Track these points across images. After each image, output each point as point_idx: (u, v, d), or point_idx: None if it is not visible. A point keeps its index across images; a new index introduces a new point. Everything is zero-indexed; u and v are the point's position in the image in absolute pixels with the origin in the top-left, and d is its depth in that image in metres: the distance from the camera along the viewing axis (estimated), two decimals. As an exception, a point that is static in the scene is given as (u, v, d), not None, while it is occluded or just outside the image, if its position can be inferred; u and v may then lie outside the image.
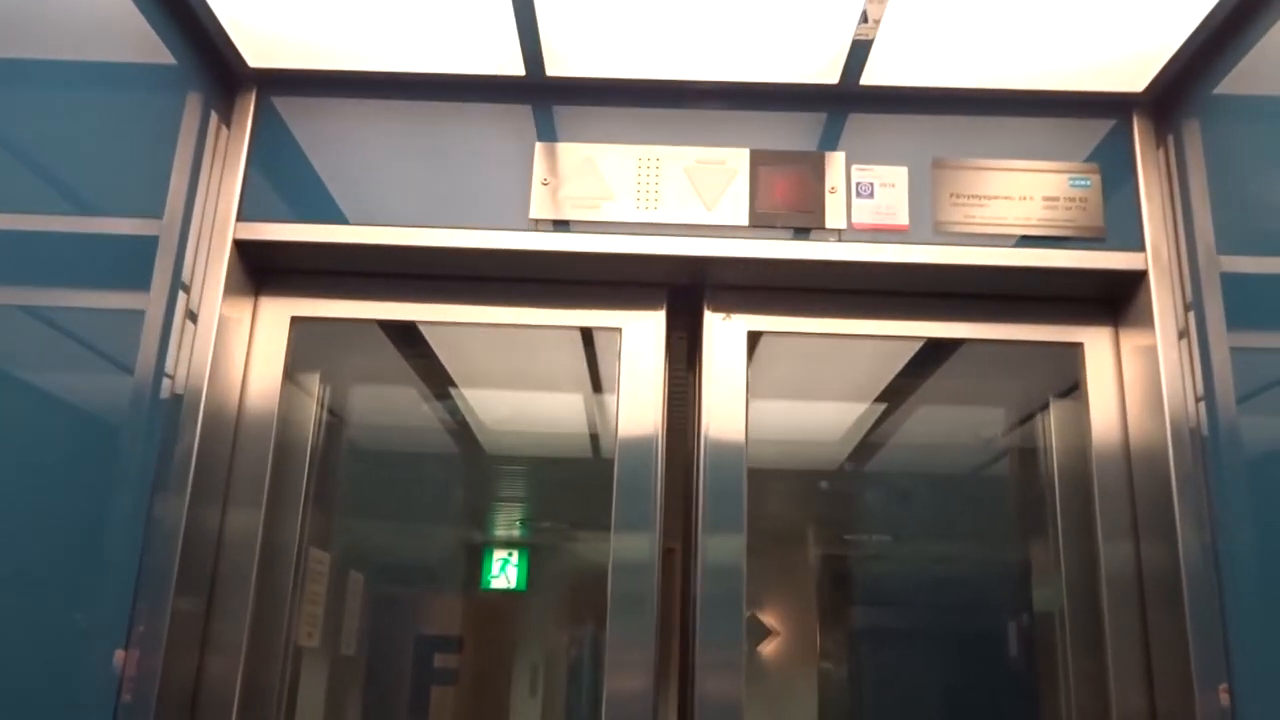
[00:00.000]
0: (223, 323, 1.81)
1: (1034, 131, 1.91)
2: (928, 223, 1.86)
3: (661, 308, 1.95)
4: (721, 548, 1.79)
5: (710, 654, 1.74)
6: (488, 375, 2.45)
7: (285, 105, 1.93)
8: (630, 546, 1.83)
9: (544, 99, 1.94)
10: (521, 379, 2.42)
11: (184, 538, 1.66)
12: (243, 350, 1.89)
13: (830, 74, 1.87)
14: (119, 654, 1.56)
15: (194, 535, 1.69)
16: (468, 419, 2.63)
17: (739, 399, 1.89)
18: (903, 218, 1.86)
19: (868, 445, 2.58)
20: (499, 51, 1.85)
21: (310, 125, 1.92)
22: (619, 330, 1.95)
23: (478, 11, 1.75)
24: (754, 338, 2.01)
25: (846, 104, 1.93)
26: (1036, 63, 1.83)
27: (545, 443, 2.71)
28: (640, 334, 1.94)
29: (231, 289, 1.83)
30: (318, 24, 1.79)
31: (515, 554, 2.72)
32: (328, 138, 1.91)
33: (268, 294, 1.95)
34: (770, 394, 2.29)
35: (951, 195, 1.87)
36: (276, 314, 1.95)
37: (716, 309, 1.94)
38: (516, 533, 2.90)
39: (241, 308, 1.90)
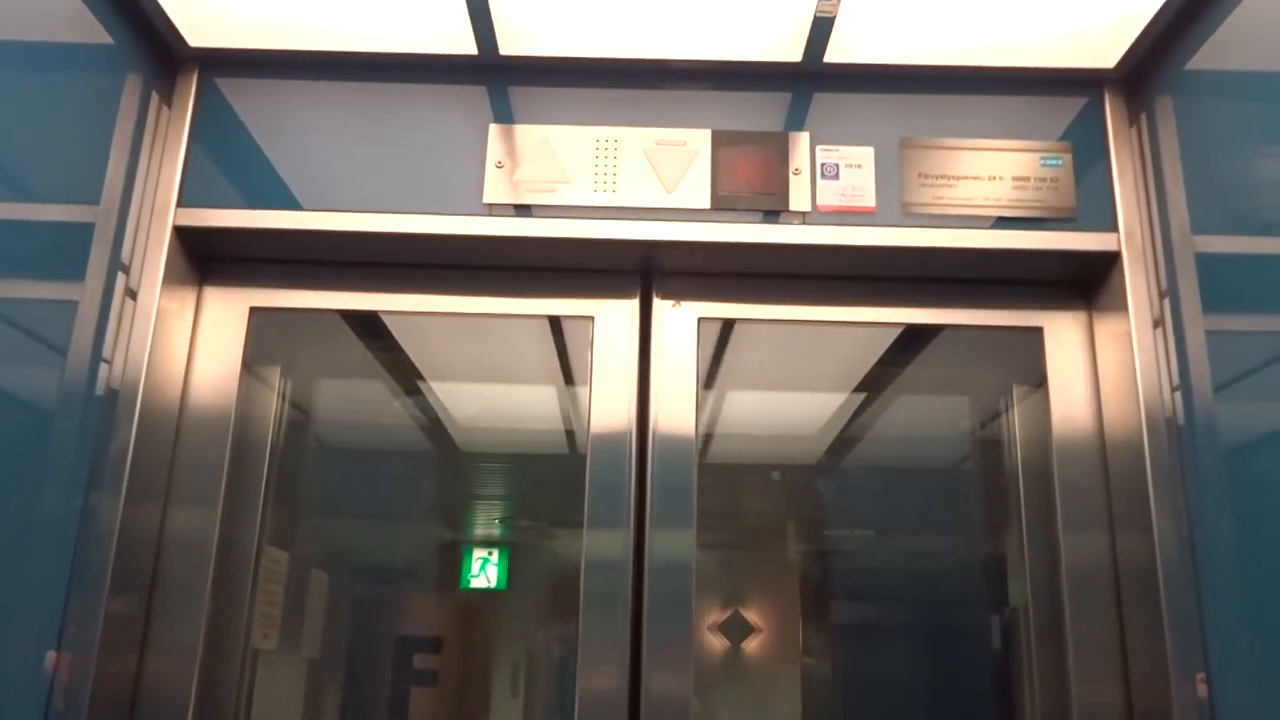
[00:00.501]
0: (162, 313, 1.74)
1: (1004, 110, 1.85)
2: (895, 205, 1.80)
3: (635, 295, 1.89)
4: (671, 544, 1.73)
5: (659, 653, 1.68)
6: (456, 368, 2.39)
7: (229, 87, 1.86)
8: (603, 544, 1.77)
9: (498, 79, 1.88)
10: (491, 372, 2.36)
11: (119, 536, 1.59)
12: (185, 342, 1.82)
13: (793, 51, 1.81)
14: (50, 656, 1.49)
15: (130, 534, 1.63)
16: (439, 414, 2.56)
17: (689, 390, 1.83)
18: (869, 199, 1.80)
19: (846, 439, 2.53)
20: (450, 30, 1.79)
21: (255, 107, 1.86)
22: (591, 319, 1.88)
23: (426, -12, 1.70)
24: (727, 326, 1.95)
25: (810, 83, 1.87)
26: (1005, 38, 1.77)
27: (520, 438, 2.65)
28: (612, 323, 1.87)
29: (172, 278, 1.77)
30: (262, 1, 1.73)
31: (495, 553, 2.65)
32: (274, 120, 1.85)
33: (214, 283, 1.88)
34: (744, 385, 2.24)
35: (920, 176, 1.81)
36: (229, 304, 1.88)
37: (665, 295, 1.88)
38: (496, 531, 2.83)
39: (183, 298, 1.83)
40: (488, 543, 2.68)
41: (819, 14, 1.75)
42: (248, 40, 1.82)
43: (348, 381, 2.43)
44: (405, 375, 2.38)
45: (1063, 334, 1.87)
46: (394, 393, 2.49)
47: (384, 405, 2.55)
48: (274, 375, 1.96)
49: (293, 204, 1.81)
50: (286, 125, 1.85)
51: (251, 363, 1.88)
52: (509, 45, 1.82)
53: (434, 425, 2.59)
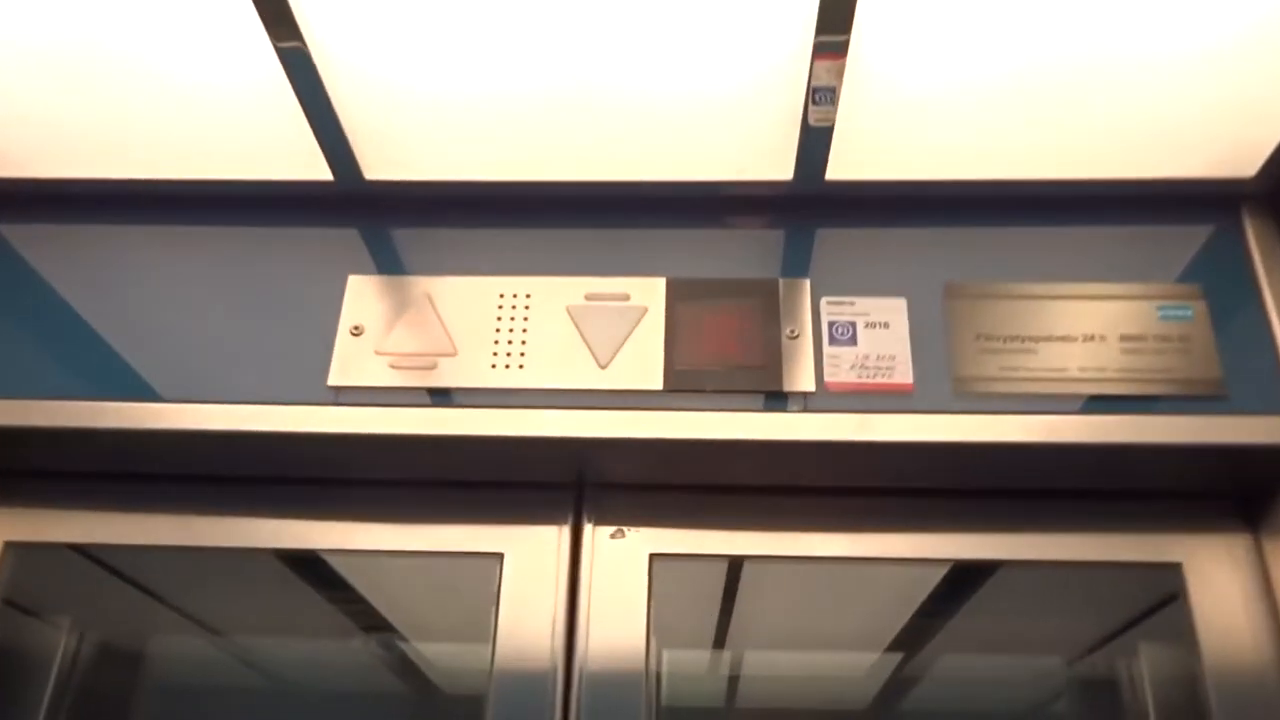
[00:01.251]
0: None
1: (1100, 240, 1.27)
2: (943, 381, 1.19)
3: (559, 521, 1.27)
4: None
5: None
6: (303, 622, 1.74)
7: (-9, 230, 1.33)
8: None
9: (360, 214, 1.33)
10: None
11: None
12: None
13: (780, 166, 1.26)
14: None
15: None
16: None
17: (635, 658, 1.19)
18: (904, 373, 1.20)
19: (890, 689, 1.81)
20: (296, 148, 1.26)
21: (34, 256, 1.32)
22: (497, 558, 1.26)
23: (255, 93, 1.18)
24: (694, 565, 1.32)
25: (808, 209, 1.31)
26: (1096, 141, 1.21)
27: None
28: (526, 563, 1.25)
29: None
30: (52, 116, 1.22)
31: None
32: (58, 273, 1.31)
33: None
34: (754, 639, 1.56)
35: (979, 338, 1.22)
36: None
37: (603, 520, 1.26)
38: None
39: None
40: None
41: (814, 124, 1.20)
42: (18, 169, 1.30)
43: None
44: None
45: (1215, 570, 1.22)
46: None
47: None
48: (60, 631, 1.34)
49: (72, 391, 1.24)
50: (71, 280, 1.30)
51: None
52: (376, 167, 1.28)
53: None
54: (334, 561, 1.35)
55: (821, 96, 1.19)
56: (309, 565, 1.37)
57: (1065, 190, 1.27)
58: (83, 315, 1.28)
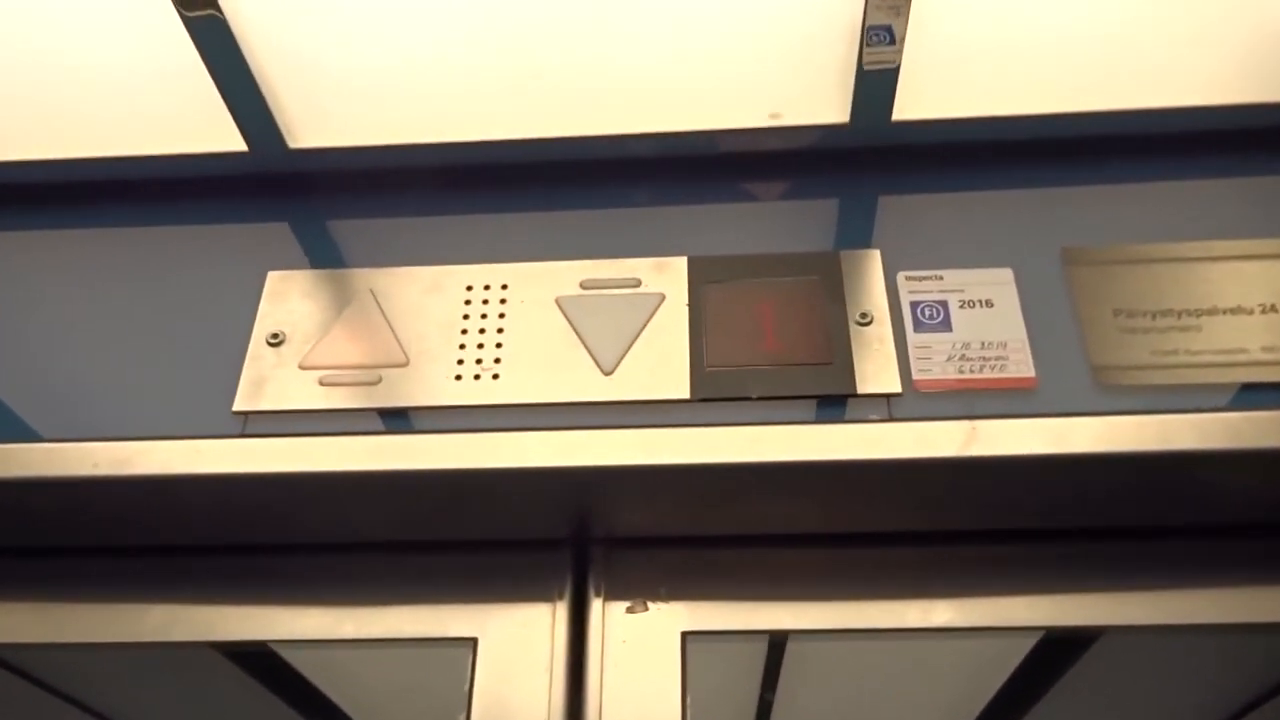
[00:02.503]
0: None
1: (1263, 183, 0.96)
2: (1076, 372, 0.86)
3: (556, 592, 0.93)
4: None
5: None
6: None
7: None
8: None
9: (282, 191, 1.03)
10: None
11: None
12: None
13: (834, 107, 0.96)
14: None
15: None
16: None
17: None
18: (1022, 364, 0.87)
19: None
20: (196, 109, 0.97)
21: None
22: (470, 643, 0.92)
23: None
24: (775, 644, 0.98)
25: (874, 161, 1.00)
26: (1247, 53, 0.91)
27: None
28: (511, 649, 0.90)
29: None
30: None
31: None
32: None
33: None
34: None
35: (1117, 314, 0.89)
36: None
37: (615, 590, 0.92)
38: None
39: None
40: None
41: (869, 67, 0.91)
42: None
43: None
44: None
45: None
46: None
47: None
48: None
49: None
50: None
51: None
52: (302, 132, 0.99)
53: None
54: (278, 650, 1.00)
55: (878, 36, 0.90)
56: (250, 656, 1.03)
57: (1213, 119, 0.96)
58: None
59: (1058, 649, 0.99)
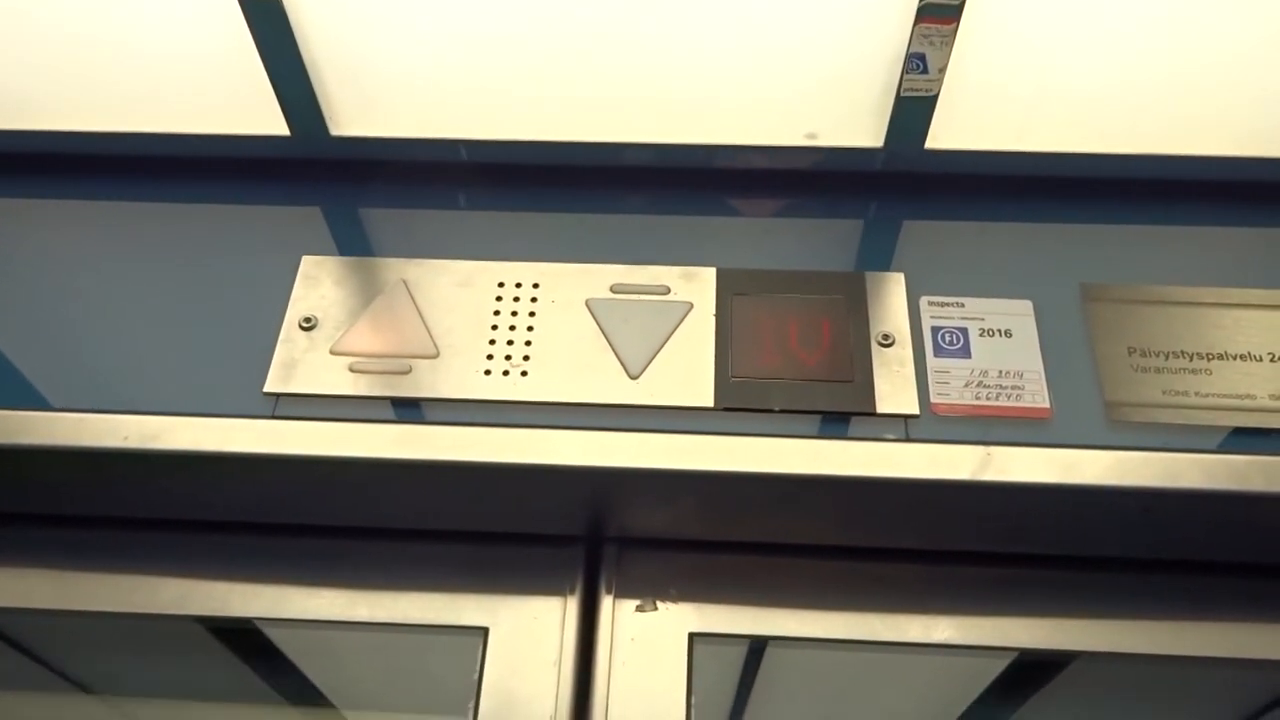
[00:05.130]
0: None
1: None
2: (1091, 406, 0.89)
3: (567, 588, 0.95)
4: None
5: None
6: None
7: None
8: None
9: (321, 177, 1.04)
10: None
11: None
12: None
13: (869, 132, 0.98)
14: None
15: None
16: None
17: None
18: (1038, 395, 0.89)
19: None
20: (242, 92, 0.98)
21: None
22: (481, 632, 0.93)
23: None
24: (755, 649, 1.00)
25: (903, 186, 1.02)
26: (1273, 109, 0.94)
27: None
28: (521, 640, 0.92)
29: None
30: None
31: None
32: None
33: None
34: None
35: (1133, 353, 0.92)
36: None
37: (626, 588, 0.94)
38: None
39: None
40: None
41: (906, 94, 0.93)
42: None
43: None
44: None
45: None
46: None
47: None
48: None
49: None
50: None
51: None
52: (346, 119, 1.00)
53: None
54: (267, 631, 1.02)
55: (917, 64, 0.92)
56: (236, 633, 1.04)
57: (1236, 170, 0.98)
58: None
59: (1031, 668, 1.02)
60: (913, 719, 1.10)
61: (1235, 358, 0.91)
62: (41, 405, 0.91)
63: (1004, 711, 1.08)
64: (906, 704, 1.10)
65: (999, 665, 1.03)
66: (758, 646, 1.00)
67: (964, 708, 1.07)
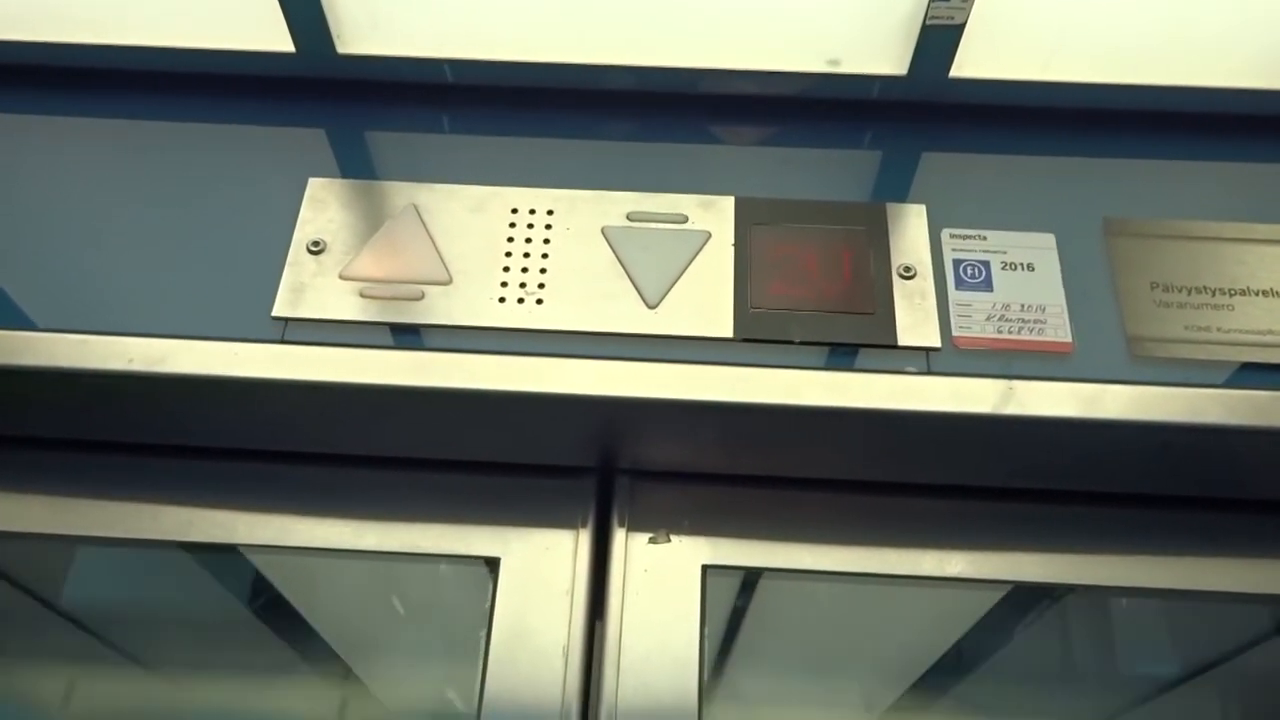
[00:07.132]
0: None
1: (1305, 168, 0.98)
2: (1112, 341, 0.88)
3: (579, 520, 0.94)
4: None
5: None
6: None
7: None
8: None
9: (326, 97, 1.01)
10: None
11: None
12: None
13: (894, 58, 0.96)
14: None
15: None
16: None
17: (682, 702, 0.86)
18: (1060, 329, 0.88)
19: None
20: (246, 6, 0.94)
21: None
22: (492, 563, 0.93)
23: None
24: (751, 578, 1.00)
25: (926, 116, 1.00)
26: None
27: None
28: (531, 572, 0.92)
29: None
30: None
31: None
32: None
33: None
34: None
35: (1154, 287, 0.91)
36: None
37: (639, 521, 0.93)
38: None
39: None
40: None
41: (930, 22, 0.91)
42: None
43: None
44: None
45: None
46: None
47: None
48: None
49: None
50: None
51: None
52: (354, 37, 0.97)
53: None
54: (259, 560, 1.01)
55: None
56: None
57: (1263, 104, 0.97)
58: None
59: (1026, 598, 1.02)
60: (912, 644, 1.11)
61: (1258, 293, 0.90)
62: (44, 327, 0.89)
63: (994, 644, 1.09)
64: (900, 634, 1.11)
65: (995, 596, 1.03)
66: (751, 578, 1.00)
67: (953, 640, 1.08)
